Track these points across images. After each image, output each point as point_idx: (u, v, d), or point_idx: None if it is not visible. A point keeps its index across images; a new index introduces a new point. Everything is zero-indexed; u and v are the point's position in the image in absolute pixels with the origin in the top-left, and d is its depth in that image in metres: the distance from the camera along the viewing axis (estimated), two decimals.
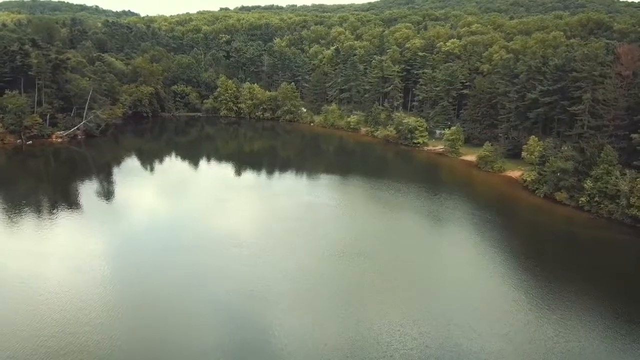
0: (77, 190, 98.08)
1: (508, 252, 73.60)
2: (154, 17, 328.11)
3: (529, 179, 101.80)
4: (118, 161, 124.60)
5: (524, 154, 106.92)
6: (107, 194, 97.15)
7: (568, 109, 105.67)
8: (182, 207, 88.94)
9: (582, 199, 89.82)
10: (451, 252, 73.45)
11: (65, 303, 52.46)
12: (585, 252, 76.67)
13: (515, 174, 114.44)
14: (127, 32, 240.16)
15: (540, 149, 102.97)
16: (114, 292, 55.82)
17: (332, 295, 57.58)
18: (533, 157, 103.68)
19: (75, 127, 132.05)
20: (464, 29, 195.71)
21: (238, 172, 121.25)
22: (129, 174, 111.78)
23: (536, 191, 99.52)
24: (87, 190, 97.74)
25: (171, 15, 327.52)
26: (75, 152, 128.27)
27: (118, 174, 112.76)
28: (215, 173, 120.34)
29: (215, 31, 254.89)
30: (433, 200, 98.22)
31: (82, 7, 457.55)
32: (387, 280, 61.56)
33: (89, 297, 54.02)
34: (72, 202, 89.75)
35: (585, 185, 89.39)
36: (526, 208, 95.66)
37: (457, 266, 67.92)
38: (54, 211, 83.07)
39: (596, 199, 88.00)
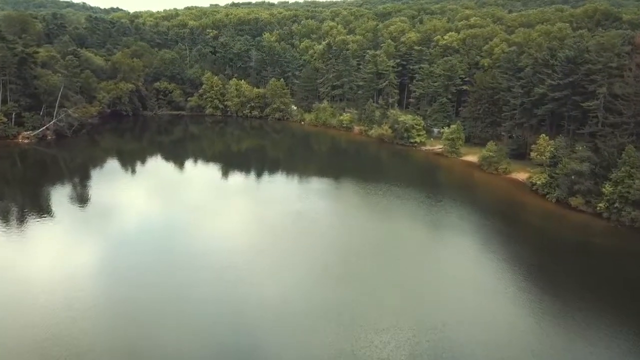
0: (45, 196, 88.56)
1: (523, 270, 64.48)
2: (140, 12, 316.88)
3: (539, 182, 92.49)
4: (93, 163, 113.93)
5: (533, 154, 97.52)
6: (80, 200, 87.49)
7: (581, 104, 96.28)
8: (158, 217, 79.26)
9: (601, 204, 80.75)
10: (459, 273, 63.26)
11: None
12: (607, 266, 67.49)
13: (521, 175, 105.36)
14: (110, 27, 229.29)
15: (552, 148, 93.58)
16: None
17: (320, 332, 47.85)
18: (544, 157, 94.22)
19: (44, 127, 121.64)
20: (461, 22, 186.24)
21: (223, 176, 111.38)
22: (104, 178, 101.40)
23: (547, 195, 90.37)
24: (57, 196, 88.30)
25: (158, 11, 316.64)
26: (45, 153, 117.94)
27: (92, 177, 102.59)
28: (199, 177, 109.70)
29: (202, 26, 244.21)
30: (435, 208, 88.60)
31: (69, 4, 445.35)
32: (387, 312, 51.78)
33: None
34: (40, 209, 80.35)
35: (604, 189, 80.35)
36: (537, 215, 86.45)
37: (466, 290, 58.36)
38: (21, 219, 74.57)
39: (616, 205, 78.85)
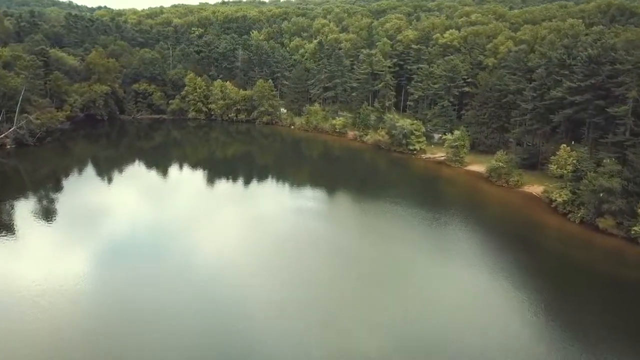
0: (4, 212, 78.36)
1: (543, 309, 54.21)
2: (124, 10, 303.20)
3: (559, 199, 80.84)
4: (58, 175, 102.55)
5: (552, 167, 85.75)
6: (44, 215, 77.92)
7: (607, 109, 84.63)
8: (131, 237, 70.20)
9: (636, 228, 69.44)
10: (470, 314, 52.48)
11: None
12: None
13: (535, 189, 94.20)
14: (89, 25, 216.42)
15: (574, 160, 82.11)
16: None
17: None
18: (565, 171, 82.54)
19: (2, 135, 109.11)
20: (462, 19, 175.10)
21: (207, 187, 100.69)
22: (71, 192, 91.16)
23: (570, 215, 78.91)
24: (18, 211, 78.28)
25: (143, 9, 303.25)
26: (3, 164, 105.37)
27: (56, 190, 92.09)
28: (180, 189, 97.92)
29: (188, 24, 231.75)
30: (442, 232, 76.79)
31: (54, 2, 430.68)
32: None
33: None
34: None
35: (639, 210, 68.80)
36: (559, 239, 74.94)
37: (476, 334, 48.24)
38: None
39: None
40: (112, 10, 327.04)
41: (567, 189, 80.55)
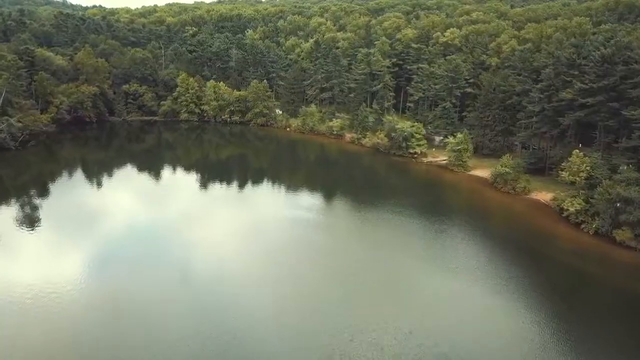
0: None
1: (558, 335, 49.06)
2: (117, 9, 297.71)
3: (572, 208, 75.59)
4: (42, 181, 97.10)
5: (563, 174, 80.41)
6: (28, 222, 73.52)
7: (624, 112, 79.35)
8: (116, 245, 66.02)
9: None
10: (480, 343, 47.19)
11: None
12: None
13: (543, 196, 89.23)
14: (79, 24, 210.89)
15: (587, 167, 76.94)
16: None
17: None
18: (579, 178, 77.26)
19: None
20: (462, 17, 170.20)
21: (199, 193, 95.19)
22: (56, 197, 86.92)
23: (583, 225, 73.74)
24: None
25: (136, 8, 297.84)
26: None
27: (40, 197, 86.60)
28: (171, 193, 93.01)
29: (181, 23, 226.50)
30: (446, 243, 71.28)
31: (47, 1, 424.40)
32: None
33: None
34: None
35: None
36: (572, 252, 69.41)
37: None
38: None
39: None
40: (105, 9, 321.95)
41: (579, 198, 75.42)
